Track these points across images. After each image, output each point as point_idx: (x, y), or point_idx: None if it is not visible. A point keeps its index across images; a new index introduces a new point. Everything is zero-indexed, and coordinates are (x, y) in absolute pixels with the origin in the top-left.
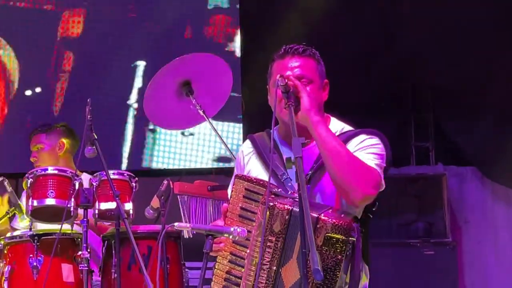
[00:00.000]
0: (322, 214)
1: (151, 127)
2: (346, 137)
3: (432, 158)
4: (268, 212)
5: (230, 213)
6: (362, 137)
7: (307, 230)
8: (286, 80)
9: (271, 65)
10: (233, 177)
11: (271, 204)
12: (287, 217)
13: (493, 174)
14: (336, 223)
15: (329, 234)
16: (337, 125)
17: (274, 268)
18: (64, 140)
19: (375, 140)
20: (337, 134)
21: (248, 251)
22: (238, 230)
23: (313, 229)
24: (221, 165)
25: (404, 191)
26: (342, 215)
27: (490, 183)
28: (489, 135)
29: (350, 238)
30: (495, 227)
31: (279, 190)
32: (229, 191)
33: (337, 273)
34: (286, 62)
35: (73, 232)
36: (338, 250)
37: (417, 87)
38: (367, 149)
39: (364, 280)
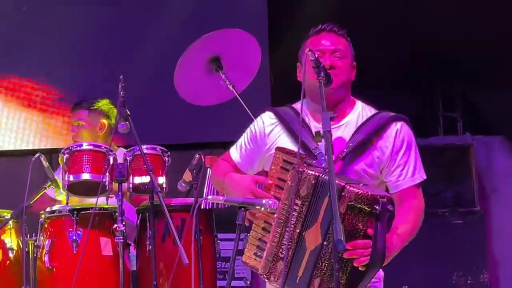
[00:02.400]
0: (349, 184)
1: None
2: (376, 128)
3: (459, 128)
4: (297, 177)
5: (269, 183)
6: (396, 129)
7: (332, 202)
8: (316, 55)
9: (305, 42)
10: (243, 139)
11: (300, 169)
12: (313, 181)
13: None
14: (360, 193)
15: (352, 203)
16: (361, 109)
17: (298, 230)
18: (105, 121)
19: (410, 132)
20: (362, 120)
21: (276, 214)
22: (270, 202)
23: (338, 197)
24: None
25: (432, 161)
26: (371, 189)
27: None
28: None
29: (373, 210)
30: None
31: (314, 162)
32: (231, 150)
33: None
34: (321, 38)
35: (111, 206)
36: (359, 219)
37: (444, 56)
38: (413, 165)
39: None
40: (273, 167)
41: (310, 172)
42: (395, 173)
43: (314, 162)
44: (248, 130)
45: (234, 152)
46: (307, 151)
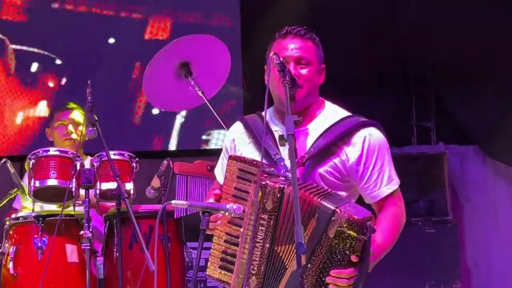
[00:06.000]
0: (339, 207)
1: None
2: (342, 133)
3: (433, 138)
4: (260, 191)
5: (225, 193)
6: (364, 136)
7: (295, 206)
8: (281, 58)
9: (271, 45)
10: (220, 158)
11: (263, 183)
12: (278, 195)
13: (494, 153)
14: (351, 219)
15: (341, 229)
16: (331, 110)
17: (267, 245)
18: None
19: (381, 137)
20: (331, 123)
21: (242, 229)
22: (234, 207)
23: (327, 221)
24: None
25: (405, 171)
26: (361, 210)
27: (491, 161)
28: (490, 114)
29: (361, 236)
30: (496, 204)
31: (272, 169)
32: (216, 171)
33: (341, 267)
34: (287, 43)
35: (77, 213)
36: (347, 246)
37: (418, 66)
38: (388, 171)
39: None
40: (228, 176)
41: (275, 184)
42: (370, 183)
43: (272, 169)
44: (223, 145)
45: (216, 171)
46: (267, 157)
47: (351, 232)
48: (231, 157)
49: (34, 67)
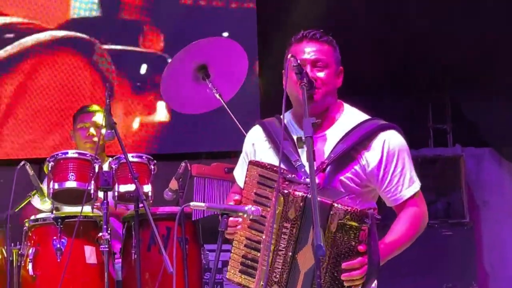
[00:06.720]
0: (336, 201)
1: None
2: (362, 137)
3: (450, 140)
4: (283, 199)
5: (245, 198)
6: (384, 140)
7: (313, 209)
8: (299, 61)
9: (288, 49)
10: (239, 160)
11: (286, 191)
12: (301, 204)
13: (511, 155)
14: (349, 210)
15: (342, 221)
16: (349, 114)
17: (290, 253)
18: None
19: (401, 140)
20: (350, 127)
21: (263, 236)
22: (253, 209)
23: (327, 216)
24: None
25: (422, 173)
26: (358, 202)
27: (507, 163)
28: (507, 116)
29: (363, 225)
30: None
31: (293, 176)
32: (235, 173)
33: (351, 259)
34: (303, 46)
35: (96, 214)
36: (351, 237)
37: (434, 68)
38: (409, 174)
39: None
40: (248, 181)
41: (298, 193)
42: (391, 186)
43: (293, 176)
44: (243, 148)
45: (236, 174)
46: (287, 163)
47: (353, 223)
48: (251, 162)
49: (143, 68)
